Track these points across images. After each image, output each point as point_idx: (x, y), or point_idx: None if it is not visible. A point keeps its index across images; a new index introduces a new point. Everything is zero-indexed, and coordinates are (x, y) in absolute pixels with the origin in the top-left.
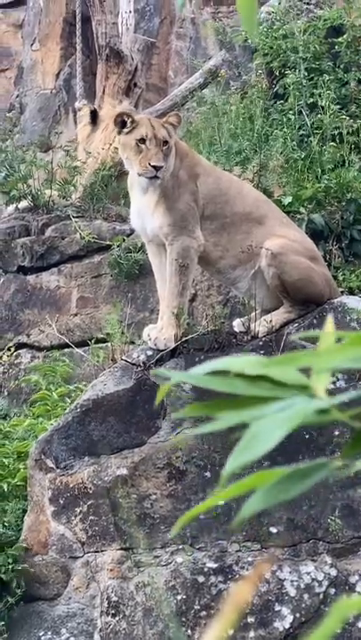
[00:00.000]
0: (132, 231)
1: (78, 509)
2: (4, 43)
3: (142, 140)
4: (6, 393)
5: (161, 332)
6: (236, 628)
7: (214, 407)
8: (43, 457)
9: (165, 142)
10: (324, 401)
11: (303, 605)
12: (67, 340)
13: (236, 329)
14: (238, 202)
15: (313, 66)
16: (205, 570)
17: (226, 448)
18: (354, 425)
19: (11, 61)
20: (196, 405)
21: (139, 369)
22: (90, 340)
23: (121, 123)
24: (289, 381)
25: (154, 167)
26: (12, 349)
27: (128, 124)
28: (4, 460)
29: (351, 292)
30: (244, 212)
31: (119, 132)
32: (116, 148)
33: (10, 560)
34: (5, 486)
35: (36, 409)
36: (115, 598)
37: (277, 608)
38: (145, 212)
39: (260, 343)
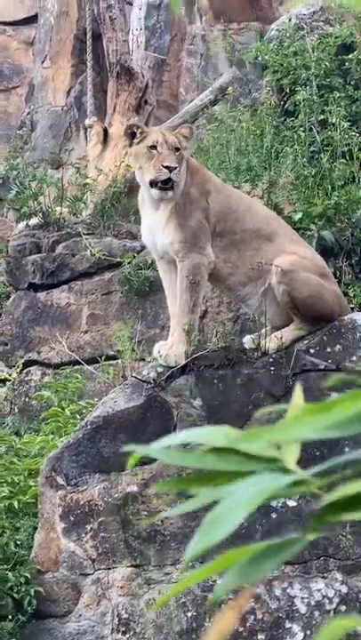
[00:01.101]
0: (143, 248)
1: (89, 526)
2: (15, 60)
3: (154, 147)
4: (17, 410)
5: (171, 348)
6: None
7: (190, 482)
8: (53, 474)
9: (177, 149)
10: (296, 474)
11: (314, 622)
12: (77, 357)
13: (246, 345)
14: (248, 219)
15: (323, 83)
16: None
17: None
18: (322, 497)
19: (22, 78)
20: (172, 481)
21: (149, 386)
22: (100, 357)
23: (131, 134)
24: (259, 454)
25: (167, 168)
26: (22, 366)
27: (138, 135)
28: (15, 477)
29: None
30: (253, 228)
31: (130, 144)
32: (128, 166)
33: (22, 580)
34: (16, 504)
35: (48, 426)
36: (125, 615)
37: (288, 625)
38: (156, 229)
39: (271, 360)
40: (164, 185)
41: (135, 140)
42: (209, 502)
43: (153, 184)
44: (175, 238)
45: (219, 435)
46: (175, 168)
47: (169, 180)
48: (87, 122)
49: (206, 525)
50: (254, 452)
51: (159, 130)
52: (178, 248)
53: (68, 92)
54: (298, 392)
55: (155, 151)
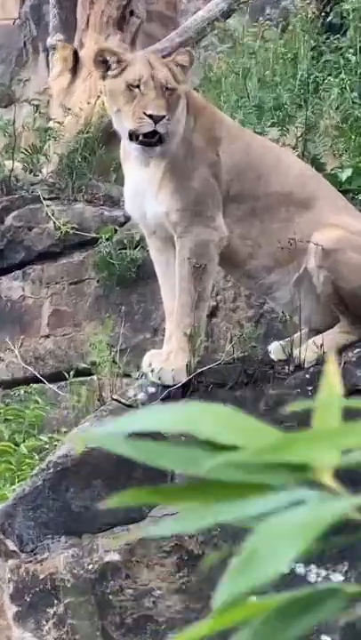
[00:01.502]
0: (128, 219)
1: (51, 610)
2: None
3: (135, 85)
4: None
5: (168, 360)
6: None
7: (169, 494)
8: (1, 536)
9: (170, 89)
10: (345, 500)
11: None
12: (35, 373)
13: (273, 356)
14: (276, 178)
15: None
16: None
17: None
18: None
19: None
20: (140, 492)
21: None
22: (68, 373)
23: (103, 63)
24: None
25: (151, 117)
26: None
27: (113, 65)
28: None
29: None
30: (283, 191)
31: (103, 77)
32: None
33: None
34: None
35: None
36: None
37: None
38: (145, 193)
39: (307, 376)
40: (148, 139)
41: (110, 73)
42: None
43: (133, 137)
44: (172, 206)
45: (222, 422)
46: (163, 117)
47: (154, 132)
48: (49, 41)
49: (243, 562)
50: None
51: (145, 57)
52: (176, 219)
53: (23, 0)
54: (331, 367)
55: (136, 91)
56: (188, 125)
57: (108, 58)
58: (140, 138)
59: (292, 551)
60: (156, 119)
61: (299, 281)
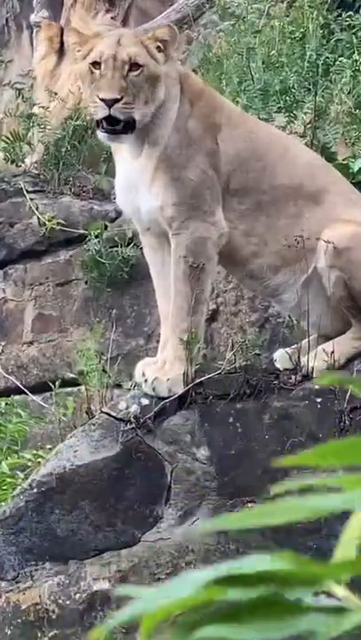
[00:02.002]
0: (119, 214)
1: None
2: None
3: (96, 63)
4: None
5: (163, 369)
6: None
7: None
8: None
9: (135, 65)
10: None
11: None
12: (17, 383)
13: (278, 364)
14: (283, 169)
15: None
16: None
17: (260, 547)
18: None
19: None
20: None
21: (128, 427)
22: (53, 383)
23: (75, 44)
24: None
25: (103, 101)
26: None
27: (79, 45)
28: None
29: None
30: (291, 184)
31: (76, 59)
32: None
33: None
34: None
35: None
36: None
37: None
38: (138, 186)
39: (316, 387)
40: (112, 126)
41: (78, 55)
42: None
43: (97, 124)
44: (166, 200)
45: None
46: (117, 100)
47: (113, 119)
48: (33, 18)
49: None
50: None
51: (116, 35)
52: (171, 214)
53: None
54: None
55: (97, 72)
56: (182, 110)
57: (76, 39)
58: (104, 125)
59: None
60: (108, 103)
61: (307, 282)
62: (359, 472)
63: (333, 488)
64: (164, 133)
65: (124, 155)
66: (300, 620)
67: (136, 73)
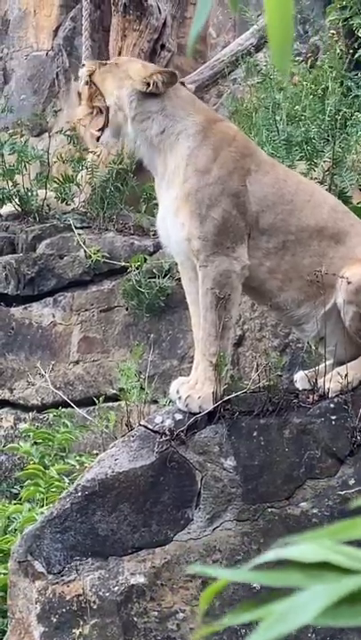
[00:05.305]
0: (157, 248)
1: (77, 631)
2: None
3: None
4: None
5: (195, 388)
6: None
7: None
8: (29, 558)
9: (86, 83)
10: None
11: None
12: (64, 397)
13: (298, 385)
14: (309, 212)
15: None
16: None
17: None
18: None
19: None
20: (245, 605)
21: (163, 439)
22: (97, 398)
23: None
24: (356, 567)
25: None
26: None
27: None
28: None
29: None
30: (316, 226)
31: None
32: None
33: None
34: None
35: (24, 491)
36: None
37: None
38: (168, 216)
39: (332, 405)
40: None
41: None
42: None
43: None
44: (192, 232)
45: (313, 548)
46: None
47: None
48: (81, 71)
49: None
50: (352, 565)
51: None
52: (198, 247)
53: (56, 32)
54: None
55: None
56: (205, 154)
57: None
58: None
59: (317, 606)
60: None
61: (327, 314)
62: None
63: None
64: (180, 164)
65: (163, 189)
66: None
67: (93, 90)
